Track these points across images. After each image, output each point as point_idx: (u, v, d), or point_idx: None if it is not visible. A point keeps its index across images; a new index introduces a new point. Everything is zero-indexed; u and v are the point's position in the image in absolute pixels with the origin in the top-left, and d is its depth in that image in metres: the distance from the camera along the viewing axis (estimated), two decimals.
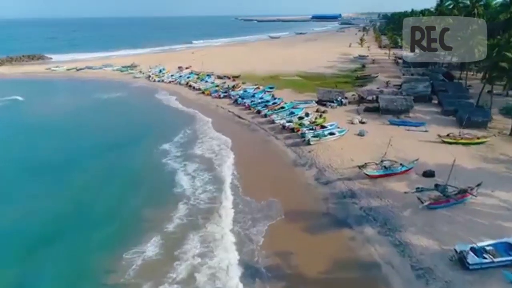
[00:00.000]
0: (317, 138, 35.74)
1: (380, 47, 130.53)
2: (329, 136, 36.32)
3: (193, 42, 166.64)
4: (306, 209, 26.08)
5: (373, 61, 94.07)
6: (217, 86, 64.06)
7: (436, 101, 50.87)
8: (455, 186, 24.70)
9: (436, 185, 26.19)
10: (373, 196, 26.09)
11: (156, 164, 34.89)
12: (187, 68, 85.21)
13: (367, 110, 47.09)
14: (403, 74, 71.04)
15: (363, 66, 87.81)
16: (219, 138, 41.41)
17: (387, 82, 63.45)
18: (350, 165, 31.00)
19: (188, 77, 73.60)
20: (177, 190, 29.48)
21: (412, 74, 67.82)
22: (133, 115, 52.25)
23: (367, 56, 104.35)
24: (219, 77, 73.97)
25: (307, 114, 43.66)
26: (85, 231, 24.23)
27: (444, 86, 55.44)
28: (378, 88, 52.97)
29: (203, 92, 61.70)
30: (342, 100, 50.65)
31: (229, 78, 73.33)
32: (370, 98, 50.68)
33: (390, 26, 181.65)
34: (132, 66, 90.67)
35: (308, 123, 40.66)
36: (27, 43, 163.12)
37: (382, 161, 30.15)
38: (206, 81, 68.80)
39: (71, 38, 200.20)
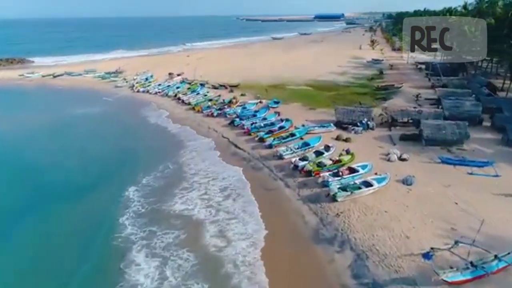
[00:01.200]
0: (348, 193, 24.43)
1: (394, 49, 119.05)
2: (364, 189, 25.00)
3: (191, 44, 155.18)
4: None
5: (391, 67, 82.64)
6: (211, 100, 52.83)
7: (488, 124, 39.66)
8: None
9: None
10: None
11: (106, 229, 23.77)
12: (178, 75, 74.03)
13: (404, 138, 35.79)
14: (433, 85, 59.87)
15: (381, 73, 76.31)
16: (205, 180, 30.29)
17: (417, 96, 52.08)
18: (407, 248, 19.69)
19: (177, 87, 62.38)
20: None
21: (444, 85, 56.49)
22: (101, 140, 40.84)
23: (382, 60, 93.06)
24: (214, 87, 62.82)
25: (327, 148, 32.23)
26: None
27: (495, 102, 44.14)
28: (415, 107, 41.53)
29: (193, 108, 50.53)
30: (369, 122, 39.38)
31: (226, 87, 62.29)
32: (405, 120, 39.47)
33: (399, 26, 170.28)
34: (117, 72, 79.61)
35: (331, 162, 29.25)
36: (15, 45, 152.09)
37: (456, 242, 19.00)
38: (198, 93, 57.54)
39: (65, 39, 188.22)
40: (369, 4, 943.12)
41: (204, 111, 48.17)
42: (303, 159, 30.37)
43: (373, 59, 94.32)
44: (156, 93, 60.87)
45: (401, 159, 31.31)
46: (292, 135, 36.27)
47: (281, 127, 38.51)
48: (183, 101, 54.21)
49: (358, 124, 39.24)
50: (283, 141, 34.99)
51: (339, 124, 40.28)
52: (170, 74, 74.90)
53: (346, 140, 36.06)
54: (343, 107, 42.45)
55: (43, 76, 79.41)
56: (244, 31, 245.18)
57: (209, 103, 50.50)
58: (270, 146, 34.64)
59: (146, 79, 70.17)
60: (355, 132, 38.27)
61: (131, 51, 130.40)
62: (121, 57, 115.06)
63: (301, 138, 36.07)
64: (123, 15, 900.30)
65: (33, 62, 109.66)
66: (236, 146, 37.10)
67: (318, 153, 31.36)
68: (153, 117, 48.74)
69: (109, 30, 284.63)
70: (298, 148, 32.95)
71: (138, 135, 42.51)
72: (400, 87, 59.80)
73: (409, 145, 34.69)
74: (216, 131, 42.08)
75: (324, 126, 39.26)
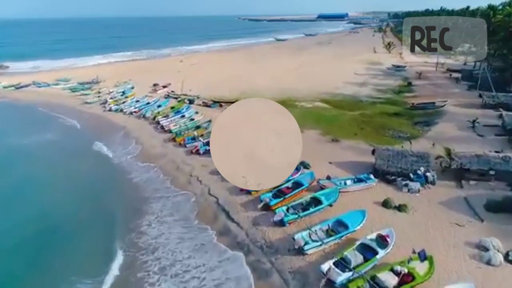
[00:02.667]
0: None
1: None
2: None
3: (188, 46, 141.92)
4: None
5: (419, 75, 69.30)
6: (198, 127, 39.73)
7: None
8: None
9: None
10: None
11: None
12: (164, 87, 61.05)
13: (494, 208, 22.52)
14: (484, 103, 46.70)
15: (409, 84, 63.26)
16: None
17: (474, 122, 38.79)
18: None
19: (158, 106, 49.19)
20: None
21: (501, 104, 43.62)
22: (26, 200, 27.19)
23: (405, 66, 79.73)
24: (206, 105, 49.87)
25: (381, 241, 18.63)
26: None
27: None
28: (498, 152, 28.10)
29: (174, 138, 37.46)
30: (427, 174, 26.21)
31: (221, 105, 49.36)
32: (482, 169, 26.22)
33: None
34: (92, 83, 66.63)
35: (396, 280, 15.87)
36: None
37: None
38: (183, 115, 44.36)
39: (53, 41, 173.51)
40: (367, 4, 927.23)
41: (187, 145, 35.14)
42: (343, 263, 17.20)
43: (393, 65, 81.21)
44: (131, 112, 47.77)
45: (509, 260, 18.15)
46: (317, 201, 22.95)
47: (297, 184, 25.22)
48: (162, 126, 41.20)
49: (412, 176, 26.13)
50: (302, 214, 21.73)
51: (380, 173, 27.21)
52: (154, 85, 62.02)
53: (400, 208, 22.91)
54: (386, 147, 29.20)
55: (5, 88, 66.44)
56: (245, 32, 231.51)
57: (195, 133, 37.32)
58: (281, 223, 21.48)
59: (123, 92, 57.01)
60: (409, 190, 25.15)
61: (120, 55, 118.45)
62: (107, 62, 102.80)
63: (330, 206, 22.96)
64: (123, 15, 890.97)
65: (7, 67, 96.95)
66: (228, 215, 23.91)
67: (366, 250, 18.07)
68: (117, 153, 35.57)
69: (105, 31, 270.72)
70: (328, 234, 19.72)
71: (85, 187, 29.15)
72: (443, 105, 46.67)
73: (504, 219, 21.55)
74: (200, 181, 28.91)
75: (361, 180, 26.03)
